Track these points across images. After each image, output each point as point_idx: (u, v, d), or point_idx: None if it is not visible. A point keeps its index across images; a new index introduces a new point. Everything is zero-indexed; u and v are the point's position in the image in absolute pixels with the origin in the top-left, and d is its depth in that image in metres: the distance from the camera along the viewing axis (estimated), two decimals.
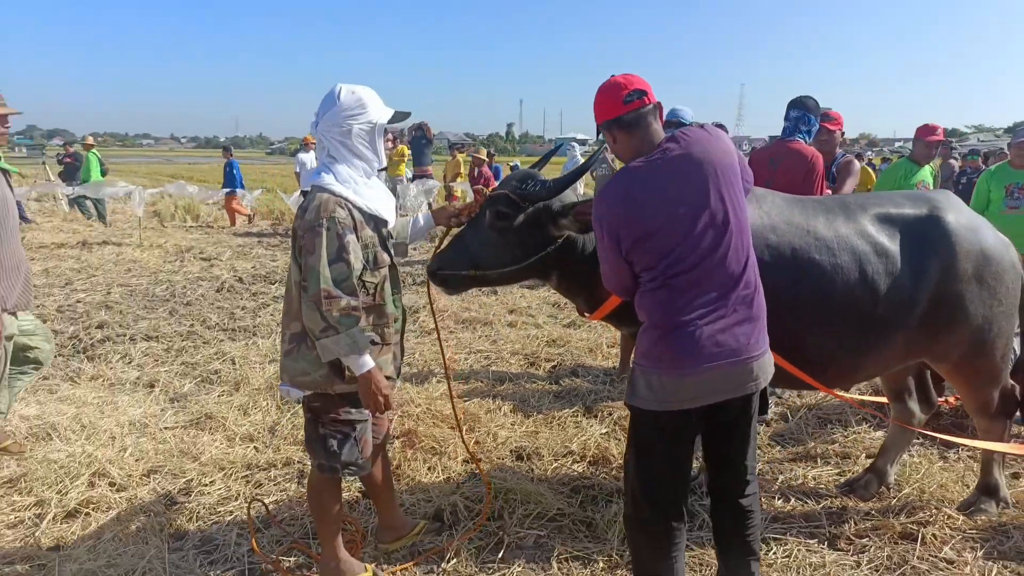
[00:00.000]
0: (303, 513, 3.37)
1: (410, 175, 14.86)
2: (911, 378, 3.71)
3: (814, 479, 3.82)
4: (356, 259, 2.56)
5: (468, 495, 3.49)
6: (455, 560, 3.03)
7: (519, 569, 2.98)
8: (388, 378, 2.73)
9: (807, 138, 4.44)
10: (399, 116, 2.73)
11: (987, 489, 3.47)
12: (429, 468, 3.83)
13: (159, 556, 3.00)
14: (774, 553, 3.10)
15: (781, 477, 3.82)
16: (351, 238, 2.55)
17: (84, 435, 4.12)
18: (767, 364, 2.44)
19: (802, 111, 4.44)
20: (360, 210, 2.62)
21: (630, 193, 2.30)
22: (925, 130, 6.01)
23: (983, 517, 3.37)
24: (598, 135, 2.52)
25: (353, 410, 2.72)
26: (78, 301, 7.72)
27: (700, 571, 2.98)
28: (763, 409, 2.54)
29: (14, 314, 3.49)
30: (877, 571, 2.98)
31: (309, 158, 13.88)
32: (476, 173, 12.70)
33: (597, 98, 2.43)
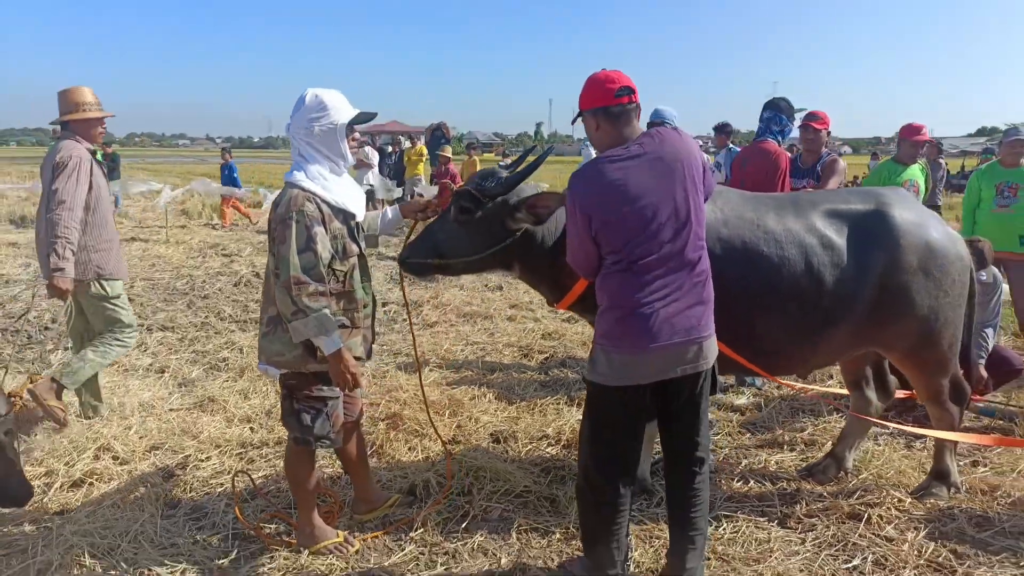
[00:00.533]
0: (287, 487, 3.63)
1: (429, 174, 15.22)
2: (869, 368, 3.85)
3: (776, 463, 3.98)
4: (324, 249, 2.80)
5: (441, 472, 3.71)
6: (422, 530, 3.26)
7: (481, 539, 3.20)
8: (357, 359, 2.97)
9: (779, 138, 4.59)
10: (364, 116, 2.97)
11: (939, 475, 3.60)
12: (410, 448, 4.07)
13: (152, 521, 3.27)
14: (723, 529, 3.28)
15: (745, 461, 3.99)
16: (319, 229, 2.79)
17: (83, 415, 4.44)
18: (712, 345, 2.65)
19: (774, 112, 4.60)
20: (328, 204, 2.86)
21: (607, 177, 2.51)
22: (910, 130, 6.09)
23: (934, 501, 3.51)
24: (574, 121, 2.75)
25: (325, 387, 2.96)
26: None
27: (650, 543, 3.17)
28: (714, 388, 2.75)
29: (116, 280, 4.34)
30: (819, 547, 3.15)
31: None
32: (443, 170, 13.12)
33: (588, 86, 2.62)
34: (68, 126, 4.24)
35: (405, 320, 7.11)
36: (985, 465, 3.93)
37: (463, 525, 3.29)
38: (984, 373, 4.49)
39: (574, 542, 3.17)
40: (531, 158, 3.33)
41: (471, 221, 3.08)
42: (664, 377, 2.56)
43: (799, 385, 4.05)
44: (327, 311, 2.76)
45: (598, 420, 2.71)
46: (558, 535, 3.22)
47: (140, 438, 4.15)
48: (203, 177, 18.45)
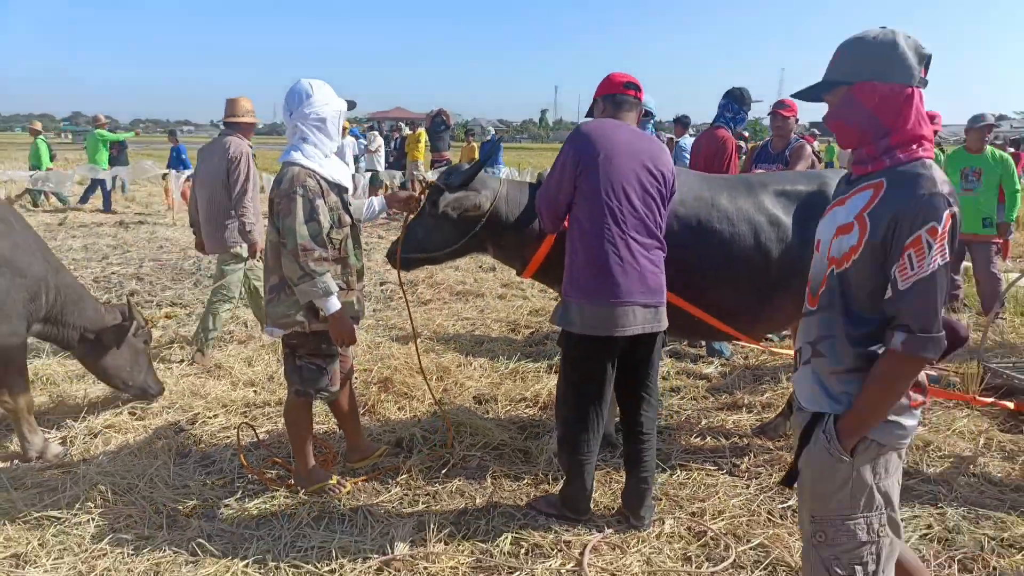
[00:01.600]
0: (287, 440, 4.01)
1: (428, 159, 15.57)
2: None
3: (733, 423, 4.36)
4: (324, 219, 3.17)
5: (426, 428, 4.10)
6: (407, 475, 3.65)
7: (459, 483, 3.58)
8: (353, 317, 3.35)
9: (731, 125, 4.92)
10: (350, 105, 3.35)
11: None
12: (399, 408, 4.46)
13: (165, 466, 3.67)
14: (676, 476, 3.66)
15: (705, 421, 4.36)
16: (320, 202, 3.16)
17: None
18: (665, 313, 3.06)
19: (728, 100, 4.94)
20: (325, 179, 3.24)
21: (602, 131, 2.95)
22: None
23: None
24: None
25: (324, 345, 3.34)
26: (112, 273, 8.52)
27: (609, 486, 3.54)
28: (662, 346, 3.21)
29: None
30: (760, 491, 3.52)
31: (349, 141, 14.65)
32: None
33: (606, 79, 3.12)
34: (232, 127, 5.37)
35: (401, 298, 7.49)
36: (924, 425, 4.30)
37: (443, 472, 3.68)
38: None
39: (543, 486, 3.55)
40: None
41: (442, 214, 3.43)
42: (631, 332, 2.93)
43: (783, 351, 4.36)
44: (329, 275, 3.13)
45: (571, 367, 3.09)
46: (527, 480, 3.60)
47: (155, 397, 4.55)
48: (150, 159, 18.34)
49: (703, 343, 5.57)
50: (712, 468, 3.76)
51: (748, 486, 3.58)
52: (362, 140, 16.57)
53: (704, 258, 3.50)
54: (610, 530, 3.15)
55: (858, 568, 1.85)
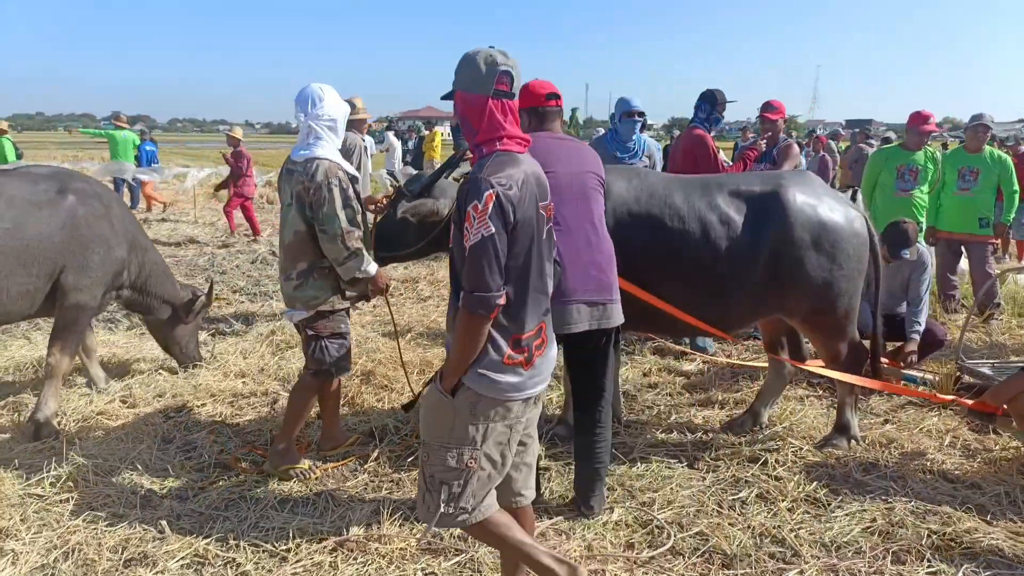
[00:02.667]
0: (268, 429, 4.19)
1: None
2: (784, 335, 4.26)
3: (703, 419, 4.43)
4: (356, 205, 3.49)
5: (399, 419, 4.25)
6: (375, 463, 3.80)
7: None
8: (361, 293, 3.76)
9: (706, 125, 5.01)
10: (351, 107, 3.58)
11: (841, 428, 4.02)
12: (377, 400, 4.62)
13: (148, 451, 3.87)
14: (636, 468, 3.75)
15: (675, 416, 4.45)
16: (350, 191, 3.46)
17: (111, 367, 5.08)
18: (618, 310, 3.18)
19: (700, 102, 5.03)
20: (346, 172, 3.51)
21: (534, 147, 3.04)
22: (918, 118, 6.37)
23: (836, 452, 3.92)
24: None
25: (343, 324, 3.61)
26: None
27: (567, 476, 3.65)
28: (617, 342, 3.33)
29: None
30: (714, 484, 3.60)
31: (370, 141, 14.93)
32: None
33: (525, 90, 3.19)
34: (349, 124, 5.87)
35: (401, 294, 7.67)
36: (894, 423, 4.33)
37: (409, 460, 3.82)
38: (914, 347, 4.85)
39: None
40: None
41: (402, 218, 3.62)
42: (578, 330, 3.06)
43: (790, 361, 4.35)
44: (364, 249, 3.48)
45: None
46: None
47: (147, 387, 4.77)
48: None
49: (687, 340, 5.64)
50: (672, 461, 3.84)
51: (704, 479, 3.66)
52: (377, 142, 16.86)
53: (655, 253, 3.63)
54: (559, 517, 3.27)
55: (444, 487, 2.24)
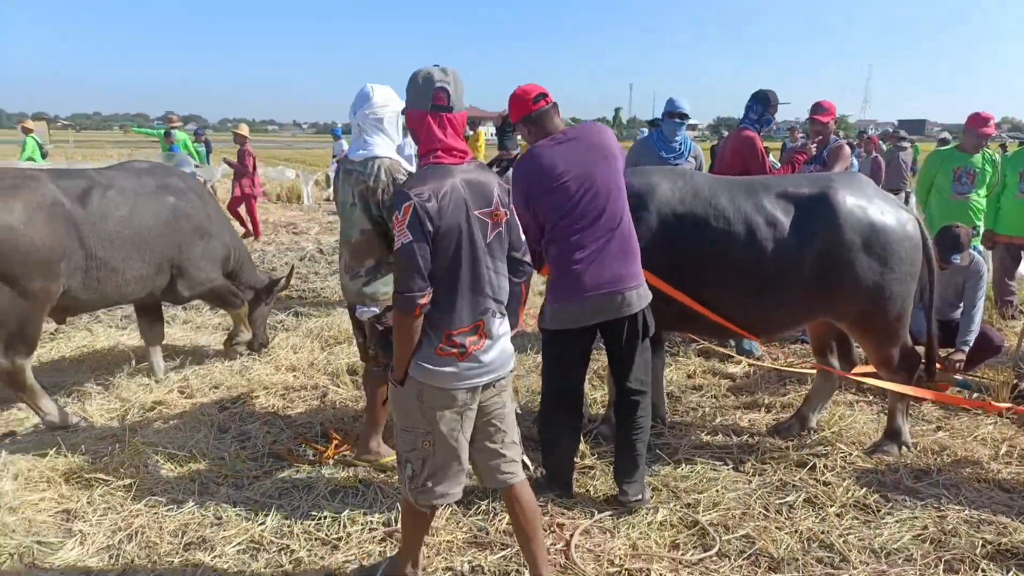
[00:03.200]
0: (318, 421, 4.30)
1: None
2: (834, 339, 4.20)
3: (749, 421, 4.40)
4: None
5: None
6: None
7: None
8: None
9: (756, 126, 4.96)
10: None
11: (891, 434, 3.95)
12: None
13: (205, 439, 4.01)
14: (680, 469, 3.75)
15: (720, 418, 4.43)
16: None
17: (167, 358, 5.27)
18: (638, 295, 3.20)
19: (752, 102, 4.98)
20: (407, 170, 3.53)
21: (537, 162, 3.14)
22: (978, 120, 6.22)
23: (886, 458, 3.86)
24: (507, 129, 3.40)
25: None
26: None
27: (610, 474, 3.67)
28: (645, 333, 3.32)
29: None
30: (760, 487, 3.58)
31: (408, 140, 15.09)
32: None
33: (511, 103, 3.26)
34: None
35: None
36: (947, 430, 4.23)
37: None
38: (961, 357, 4.71)
39: (539, 470, 3.71)
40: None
41: None
42: (594, 322, 3.14)
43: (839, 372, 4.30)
44: None
45: (549, 360, 3.35)
46: (534, 466, 3.76)
47: (203, 377, 4.94)
48: (286, 162, 19.33)
49: (732, 343, 5.59)
50: (717, 463, 3.83)
51: (750, 482, 3.64)
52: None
53: (699, 254, 3.64)
54: (604, 514, 3.29)
55: (408, 466, 2.55)
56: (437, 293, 2.40)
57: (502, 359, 2.56)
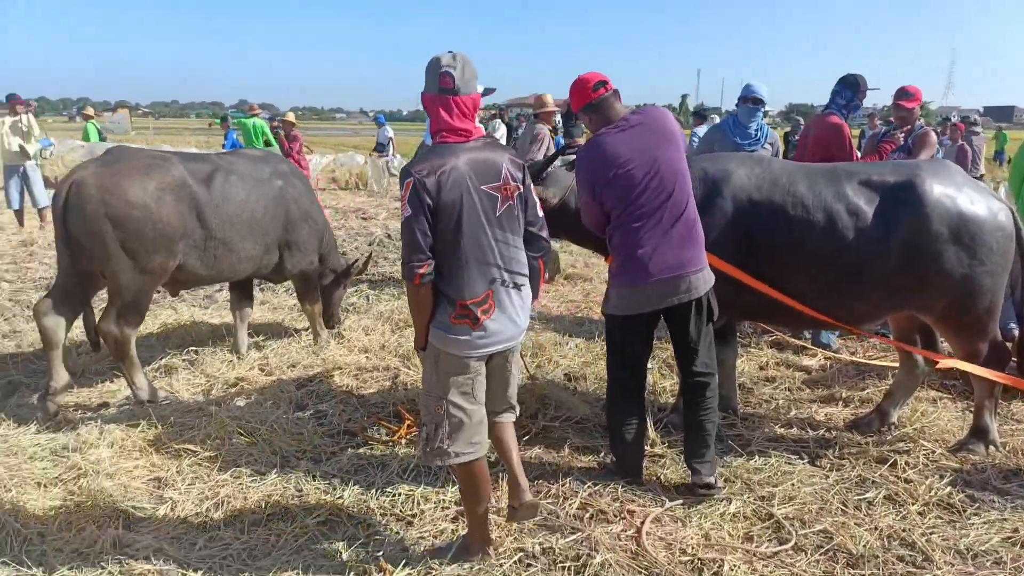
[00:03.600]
0: (391, 401, 4.40)
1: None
2: (917, 332, 4.05)
3: (826, 415, 4.29)
4: None
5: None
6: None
7: (538, 451, 3.82)
8: None
9: (844, 112, 4.79)
10: (486, 91, 3.65)
11: (978, 432, 3.79)
12: None
13: (284, 416, 4.15)
14: (754, 461, 3.69)
15: (795, 411, 4.33)
16: None
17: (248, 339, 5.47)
18: (703, 279, 3.19)
19: (841, 87, 4.81)
20: None
21: (600, 150, 3.15)
22: None
23: (972, 457, 3.71)
24: (572, 120, 3.41)
25: None
26: None
27: (681, 464, 3.64)
28: (710, 317, 3.30)
29: None
30: (841, 482, 3.49)
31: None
32: None
33: (572, 92, 3.28)
34: (538, 116, 7.22)
35: None
36: None
37: (524, 439, 3.92)
38: None
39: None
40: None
41: None
42: (660, 307, 3.15)
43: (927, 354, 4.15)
44: None
45: (613, 347, 3.38)
46: (602, 453, 3.77)
47: (281, 356, 5.11)
48: (354, 148, 19.82)
49: (808, 334, 5.45)
50: (793, 457, 3.75)
51: (827, 476, 3.55)
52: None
53: (776, 242, 3.57)
54: (675, 503, 3.27)
55: (425, 428, 2.74)
56: (445, 264, 2.58)
57: (513, 330, 2.72)
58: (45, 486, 3.40)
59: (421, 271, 2.53)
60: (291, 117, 12.61)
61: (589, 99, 3.20)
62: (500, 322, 2.65)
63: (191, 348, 5.26)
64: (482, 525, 2.87)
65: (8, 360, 5.08)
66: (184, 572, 2.80)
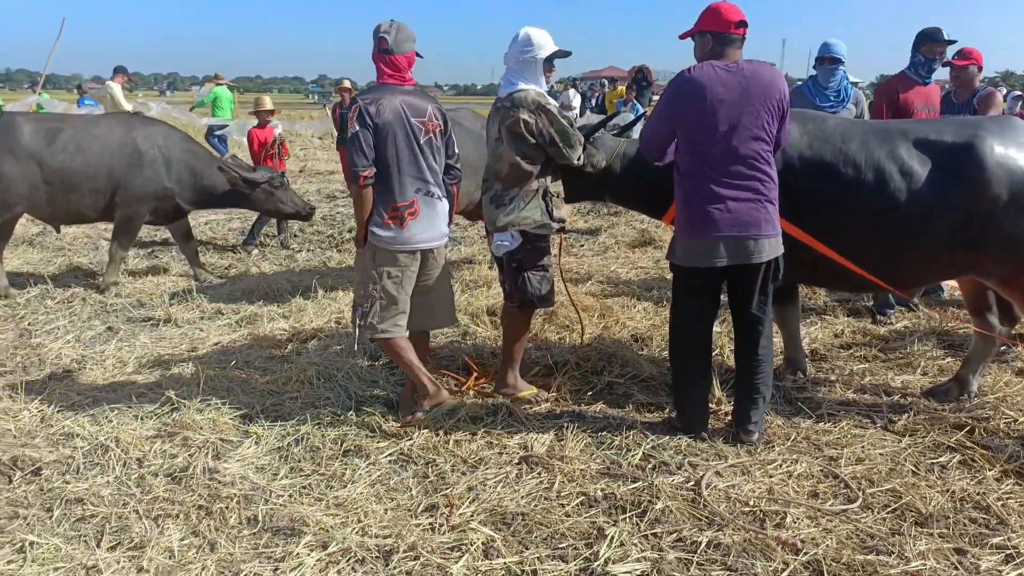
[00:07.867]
0: (460, 355, 4.52)
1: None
2: (991, 295, 3.86)
3: (902, 383, 4.17)
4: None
5: (580, 356, 4.40)
6: (556, 394, 3.99)
7: (601, 406, 3.86)
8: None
9: (921, 73, 4.64)
10: (561, 53, 3.68)
11: None
12: (559, 337, 4.82)
13: (360, 365, 4.34)
14: (823, 423, 3.64)
15: (869, 378, 4.23)
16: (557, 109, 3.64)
17: (326, 294, 5.71)
18: (771, 245, 3.15)
19: (913, 46, 4.62)
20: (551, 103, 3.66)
21: (697, 83, 3.12)
22: None
23: None
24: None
25: (546, 257, 3.77)
26: (337, 212, 9.78)
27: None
28: (776, 277, 3.26)
29: None
30: (913, 445, 3.41)
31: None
32: None
33: (707, 12, 3.20)
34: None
35: (583, 246, 7.84)
36: None
37: (589, 394, 3.98)
38: None
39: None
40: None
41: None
42: (725, 263, 3.12)
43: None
44: None
45: (678, 298, 3.41)
46: (666, 411, 3.79)
47: None
48: None
49: (871, 300, 5.31)
50: (864, 420, 3.68)
51: (899, 441, 3.47)
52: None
53: (822, 201, 3.50)
54: (740, 459, 3.28)
55: (359, 308, 3.54)
56: (383, 175, 3.36)
57: (433, 232, 3.53)
58: (142, 419, 3.67)
59: (365, 175, 3.30)
60: (347, 84, 12.34)
61: (726, 29, 3.16)
62: (423, 223, 3.46)
63: (274, 301, 5.53)
64: (424, 381, 3.60)
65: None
66: (267, 497, 3.00)
